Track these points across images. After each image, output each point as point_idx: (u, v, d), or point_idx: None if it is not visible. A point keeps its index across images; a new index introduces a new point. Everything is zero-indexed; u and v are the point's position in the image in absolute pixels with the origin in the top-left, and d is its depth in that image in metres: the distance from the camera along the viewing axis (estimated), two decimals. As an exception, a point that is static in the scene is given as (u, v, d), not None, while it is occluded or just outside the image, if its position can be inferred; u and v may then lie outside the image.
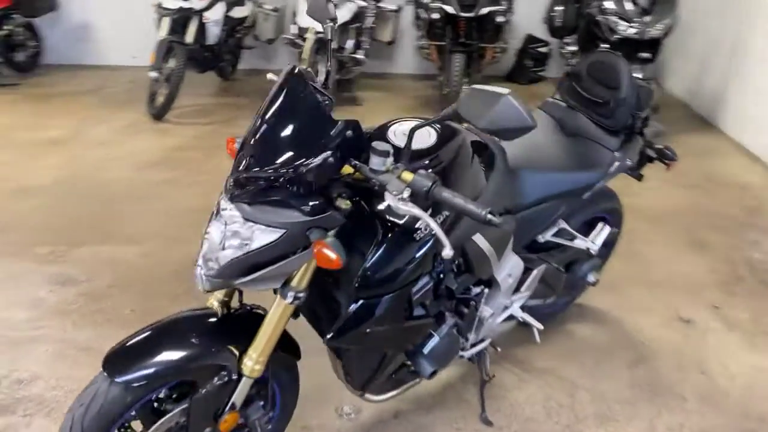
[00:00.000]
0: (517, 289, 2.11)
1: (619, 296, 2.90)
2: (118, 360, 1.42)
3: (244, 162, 1.30)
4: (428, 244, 1.52)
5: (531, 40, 6.49)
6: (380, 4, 5.92)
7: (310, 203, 1.30)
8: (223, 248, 1.33)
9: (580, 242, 2.20)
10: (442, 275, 1.74)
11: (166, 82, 5.07)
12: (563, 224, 2.14)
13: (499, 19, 4.98)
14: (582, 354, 2.52)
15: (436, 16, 4.90)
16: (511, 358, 2.47)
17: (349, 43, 5.34)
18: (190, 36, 5.20)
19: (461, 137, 1.64)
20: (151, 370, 1.40)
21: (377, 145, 1.31)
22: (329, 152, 1.28)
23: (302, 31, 5.07)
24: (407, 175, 1.29)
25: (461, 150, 1.60)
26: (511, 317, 2.21)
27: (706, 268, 3.19)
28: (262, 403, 1.64)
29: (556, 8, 5.64)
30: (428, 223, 1.25)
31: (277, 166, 1.26)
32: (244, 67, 6.64)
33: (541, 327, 2.19)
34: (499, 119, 1.17)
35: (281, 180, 1.27)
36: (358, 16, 5.31)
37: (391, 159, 1.31)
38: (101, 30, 6.66)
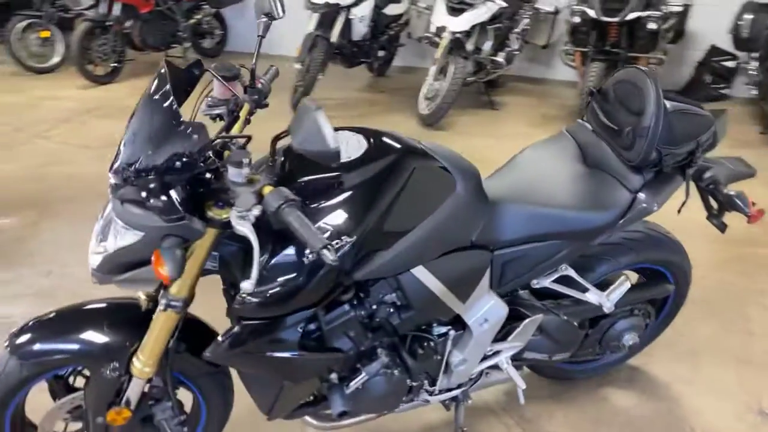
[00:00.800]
0: (504, 338, 1.83)
1: (693, 367, 2.39)
2: (21, 336, 1.49)
3: (117, 156, 1.28)
4: (321, 270, 1.36)
5: (715, 52, 5.62)
6: (537, 5, 5.57)
7: (168, 209, 1.24)
8: (99, 242, 1.33)
9: (590, 295, 1.84)
10: (374, 307, 1.57)
11: (308, 74, 5.29)
12: (569, 271, 1.80)
13: (652, 25, 4.36)
14: (609, 427, 2.12)
15: (577, 20, 4.46)
16: (516, 414, 2.16)
17: (487, 45, 5.09)
18: (335, 31, 5.35)
19: (395, 157, 1.46)
20: (44, 351, 1.48)
21: (234, 154, 1.21)
22: (175, 155, 1.20)
23: (439, 31, 4.95)
24: (267, 190, 1.18)
25: (384, 169, 1.42)
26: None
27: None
28: (169, 404, 1.62)
29: (744, 17, 4.83)
30: (253, 248, 1.12)
31: (127, 164, 1.22)
32: (399, 64, 6.71)
33: (523, 386, 1.88)
34: (305, 140, 1.01)
35: (140, 180, 1.23)
36: (499, 16, 5.02)
37: (246, 170, 1.21)
38: (277, 22, 7.18)
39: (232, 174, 1.21)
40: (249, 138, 1.40)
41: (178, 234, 1.25)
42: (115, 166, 1.26)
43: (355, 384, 1.63)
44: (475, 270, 1.64)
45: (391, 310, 1.59)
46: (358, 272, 1.45)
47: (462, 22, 4.73)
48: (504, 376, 1.93)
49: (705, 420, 2.15)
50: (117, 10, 6.03)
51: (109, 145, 4.35)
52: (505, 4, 4.91)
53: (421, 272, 1.55)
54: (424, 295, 1.57)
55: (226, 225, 1.27)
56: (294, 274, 1.36)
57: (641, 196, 1.71)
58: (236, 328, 1.42)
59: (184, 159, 1.21)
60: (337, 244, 1.33)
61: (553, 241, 1.70)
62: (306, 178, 1.39)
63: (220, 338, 1.43)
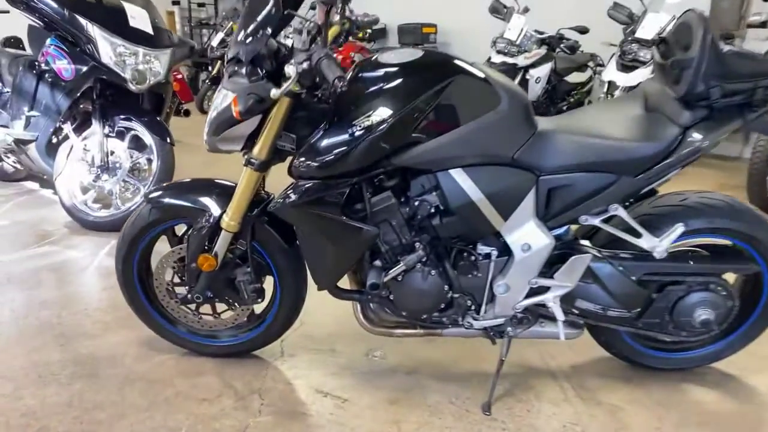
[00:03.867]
0: (552, 274, 1.89)
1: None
2: (154, 193, 2.00)
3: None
4: (364, 138, 1.65)
5: None
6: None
7: (253, 76, 1.66)
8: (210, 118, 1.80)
9: (641, 240, 1.82)
10: (415, 203, 1.79)
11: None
12: (619, 211, 1.82)
13: None
14: (672, 411, 1.98)
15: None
16: (577, 382, 2.13)
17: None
18: (513, 90, 5.71)
19: (443, 68, 1.73)
20: (167, 203, 1.98)
21: (299, 25, 1.60)
22: (261, 31, 1.63)
23: (611, 87, 5.03)
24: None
25: (427, 75, 1.70)
26: (572, 325, 1.98)
27: None
28: (248, 268, 1.98)
29: None
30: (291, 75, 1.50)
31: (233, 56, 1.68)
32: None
33: (563, 337, 1.91)
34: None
35: (237, 56, 1.67)
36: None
37: (305, 35, 1.59)
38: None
39: (296, 40, 1.60)
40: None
41: (256, 92, 1.66)
42: (227, 57, 1.73)
43: (394, 272, 1.84)
44: (516, 188, 1.78)
45: (432, 210, 1.80)
46: (397, 157, 1.71)
47: (633, 78, 4.79)
48: (557, 330, 1.95)
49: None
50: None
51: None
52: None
53: (459, 175, 1.75)
54: (462, 200, 1.76)
55: (294, 96, 1.66)
56: (337, 142, 1.67)
57: (691, 132, 1.72)
58: (293, 185, 1.76)
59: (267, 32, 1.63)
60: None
61: (600, 172, 1.78)
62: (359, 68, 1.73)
63: (280, 194, 1.78)
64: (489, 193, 1.76)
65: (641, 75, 4.79)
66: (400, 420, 1.91)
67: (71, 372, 2.12)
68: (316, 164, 1.70)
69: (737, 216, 1.89)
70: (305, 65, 1.58)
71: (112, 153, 3.59)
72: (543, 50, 5.76)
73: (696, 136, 1.72)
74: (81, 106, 3.69)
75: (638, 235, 1.84)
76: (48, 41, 3.54)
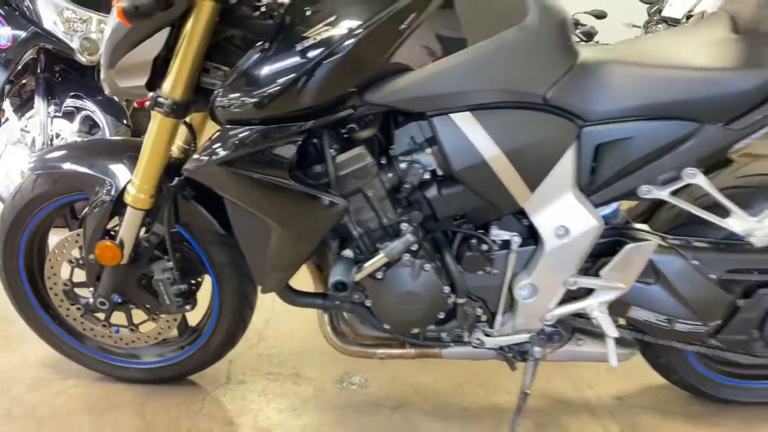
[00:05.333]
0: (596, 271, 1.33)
1: None
2: (43, 155, 1.47)
3: None
4: (321, 59, 1.09)
5: None
6: None
7: None
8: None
9: (731, 221, 1.26)
10: (401, 165, 1.23)
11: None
12: (698, 178, 1.26)
13: None
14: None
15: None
16: (623, 417, 1.56)
17: None
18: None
19: None
20: (55, 167, 1.45)
21: None
22: None
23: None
24: None
25: None
26: (622, 343, 1.41)
27: None
28: (170, 264, 1.42)
29: None
30: None
31: None
32: None
33: (614, 334, 1.32)
34: None
35: None
36: None
37: None
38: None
39: None
40: None
41: None
42: None
43: (370, 266, 1.27)
44: (550, 143, 1.22)
45: (426, 175, 1.23)
46: (372, 92, 1.15)
47: None
48: (604, 350, 1.39)
49: None
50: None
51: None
52: None
53: (467, 121, 1.18)
54: (470, 159, 1.19)
55: None
56: (282, 66, 1.12)
57: None
58: (218, 134, 1.19)
59: None
60: None
61: (674, 119, 1.21)
62: None
63: (200, 148, 1.22)
64: (510, 150, 1.19)
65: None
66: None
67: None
68: (251, 100, 1.13)
69: None
70: None
71: (58, 135, 3.08)
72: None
73: None
74: (24, 81, 3.19)
75: (726, 214, 1.28)
76: (-22, 1, 3.05)
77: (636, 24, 4.76)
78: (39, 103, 3.03)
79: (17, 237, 1.51)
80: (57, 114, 3.08)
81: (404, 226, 1.26)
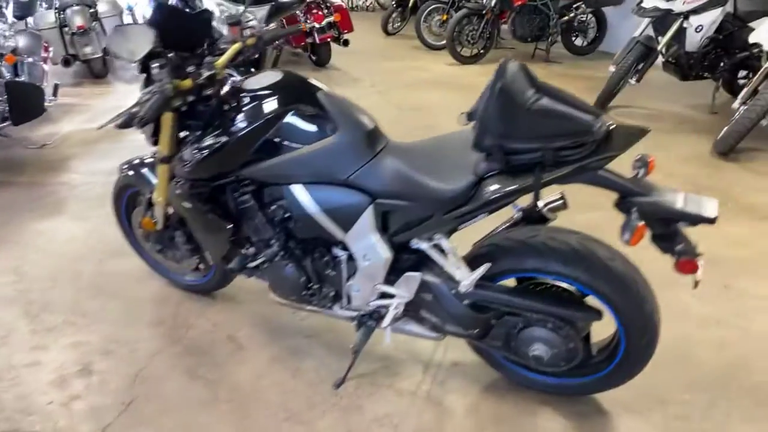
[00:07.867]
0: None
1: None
2: (125, 164, 2.58)
3: None
4: (215, 152, 1.99)
5: None
6: None
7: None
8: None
9: (454, 269, 1.89)
10: (272, 207, 2.09)
11: (615, 75, 5.25)
12: (441, 241, 1.90)
13: None
14: (508, 423, 2.07)
15: None
16: (441, 376, 2.29)
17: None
18: (664, 39, 5.10)
19: (288, 94, 1.98)
20: (124, 172, 2.55)
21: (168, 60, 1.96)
22: None
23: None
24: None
25: (272, 98, 1.97)
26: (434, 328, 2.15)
27: None
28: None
29: None
30: None
31: None
32: None
33: (388, 340, 2.08)
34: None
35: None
36: None
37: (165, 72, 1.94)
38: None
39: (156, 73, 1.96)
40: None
41: (127, 112, 2.05)
42: None
43: (260, 259, 2.20)
44: (351, 207, 1.92)
45: (286, 215, 2.08)
46: (246, 169, 2.02)
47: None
48: (422, 331, 2.14)
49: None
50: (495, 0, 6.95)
51: (412, 108, 5.38)
52: None
53: (299, 190, 1.97)
54: (303, 212, 1.98)
55: (175, 110, 2.06)
56: (197, 153, 2.03)
57: (486, 182, 1.70)
58: (174, 180, 2.19)
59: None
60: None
61: (420, 204, 1.86)
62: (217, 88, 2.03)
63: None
64: (326, 209, 1.96)
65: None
66: (263, 375, 2.32)
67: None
68: (184, 169, 2.10)
69: (576, 262, 1.81)
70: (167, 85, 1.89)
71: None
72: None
73: (489, 187, 1.71)
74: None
75: (458, 266, 1.91)
76: None
77: None
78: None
79: (120, 203, 2.71)
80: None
81: (272, 241, 2.15)
